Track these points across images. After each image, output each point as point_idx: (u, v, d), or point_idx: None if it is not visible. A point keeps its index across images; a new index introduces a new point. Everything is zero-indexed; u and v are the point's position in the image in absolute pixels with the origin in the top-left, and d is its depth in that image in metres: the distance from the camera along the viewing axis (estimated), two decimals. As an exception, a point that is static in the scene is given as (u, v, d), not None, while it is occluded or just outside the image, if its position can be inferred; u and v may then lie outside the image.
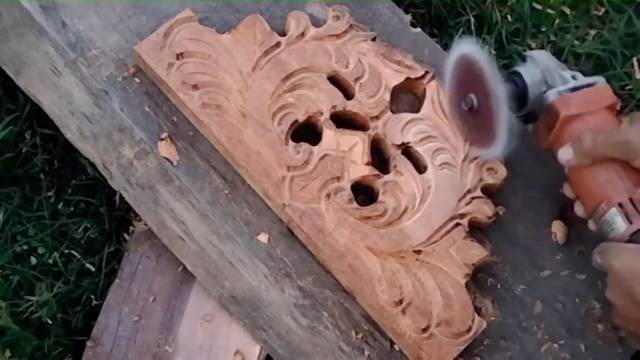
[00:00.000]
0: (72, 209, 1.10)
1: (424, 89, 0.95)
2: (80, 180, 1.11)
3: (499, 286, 0.91)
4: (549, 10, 1.19)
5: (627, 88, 1.17)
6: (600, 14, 1.20)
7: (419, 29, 1.03)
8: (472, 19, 1.17)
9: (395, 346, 0.87)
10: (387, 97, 0.93)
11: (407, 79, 0.95)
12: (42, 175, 1.10)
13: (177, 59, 0.90)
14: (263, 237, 0.89)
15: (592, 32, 1.20)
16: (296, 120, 0.91)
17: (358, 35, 0.96)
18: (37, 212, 1.08)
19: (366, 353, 0.86)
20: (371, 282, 0.85)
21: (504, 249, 0.93)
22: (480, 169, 0.91)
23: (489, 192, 0.92)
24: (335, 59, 0.94)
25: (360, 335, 0.87)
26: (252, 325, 0.90)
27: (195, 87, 0.90)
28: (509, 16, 1.18)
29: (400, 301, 0.84)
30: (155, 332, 0.94)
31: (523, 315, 0.90)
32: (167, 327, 0.94)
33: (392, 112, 0.93)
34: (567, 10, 1.20)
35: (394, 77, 0.94)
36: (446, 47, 1.13)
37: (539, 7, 1.19)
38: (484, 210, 0.89)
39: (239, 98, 0.90)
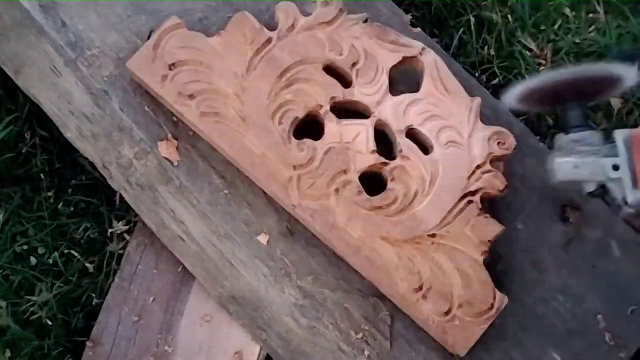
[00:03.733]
0: (72, 209, 1.10)
1: (422, 66, 0.93)
2: (80, 180, 1.11)
3: (498, 287, 0.91)
4: (549, 10, 1.19)
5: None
6: (600, 13, 1.20)
7: (419, 29, 1.03)
8: (472, 19, 1.17)
9: (395, 346, 0.86)
10: (386, 80, 0.91)
11: (404, 57, 0.93)
12: (42, 175, 1.09)
13: (170, 69, 0.89)
14: (263, 238, 0.89)
15: (592, 31, 1.20)
16: (296, 117, 0.90)
17: (349, 19, 0.93)
18: (37, 212, 1.08)
19: (366, 353, 0.86)
20: (389, 272, 0.85)
21: (503, 250, 0.93)
22: (487, 142, 0.89)
23: (499, 163, 0.91)
24: (328, 47, 0.92)
25: (360, 335, 0.87)
26: (252, 325, 0.90)
27: (191, 96, 0.89)
28: (509, 16, 1.18)
29: (420, 287, 0.84)
30: (154, 332, 0.94)
31: (523, 316, 0.90)
32: (167, 327, 0.94)
33: (392, 94, 0.92)
34: (567, 11, 1.20)
35: (390, 57, 0.92)
36: (446, 47, 1.13)
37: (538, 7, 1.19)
38: (495, 184, 0.88)
39: (236, 102, 0.89)
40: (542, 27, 1.19)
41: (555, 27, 1.20)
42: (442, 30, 1.20)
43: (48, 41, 0.93)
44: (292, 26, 0.92)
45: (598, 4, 1.21)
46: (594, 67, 0.81)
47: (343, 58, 0.91)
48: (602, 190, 0.75)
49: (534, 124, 1.13)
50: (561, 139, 0.78)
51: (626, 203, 0.72)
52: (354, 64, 0.91)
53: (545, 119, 1.14)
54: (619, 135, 0.74)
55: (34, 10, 0.93)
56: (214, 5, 0.98)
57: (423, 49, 0.93)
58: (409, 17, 1.04)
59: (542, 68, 1.16)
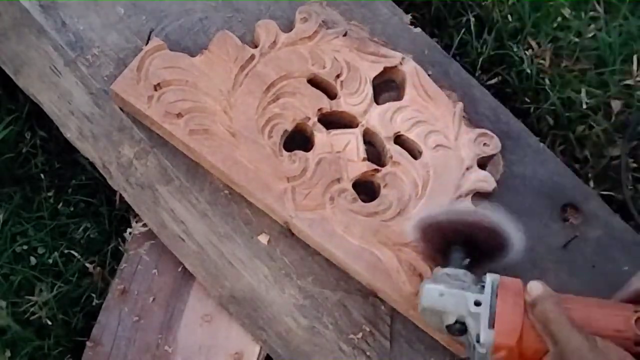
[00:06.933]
0: (72, 209, 1.10)
1: (403, 75, 0.95)
2: (80, 180, 1.11)
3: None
4: (549, 10, 1.19)
5: (623, 83, 1.17)
6: (600, 13, 1.20)
7: (419, 29, 1.03)
8: (472, 19, 1.17)
9: (395, 346, 0.87)
10: (370, 89, 0.94)
11: (385, 68, 0.95)
12: (42, 176, 1.09)
13: (155, 90, 0.89)
14: (263, 238, 0.89)
15: (592, 30, 1.20)
16: (286, 130, 0.91)
17: (329, 34, 0.96)
18: (37, 212, 1.08)
19: (366, 353, 0.86)
20: (390, 276, 0.85)
21: (504, 249, 0.93)
22: (474, 144, 0.92)
23: (485, 164, 0.93)
24: (311, 61, 0.94)
25: (360, 335, 0.87)
26: (252, 325, 0.90)
27: (179, 115, 0.89)
28: (509, 16, 1.18)
29: None
30: (154, 332, 0.94)
31: (523, 315, 0.90)
32: (167, 327, 0.94)
33: (377, 103, 0.94)
34: (567, 11, 1.20)
35: (371, 68, 0.95)
36: (446, 47, 1.13)
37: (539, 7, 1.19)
38: (484, 186, 0.90)
39: (225, 118, 0.89)
40: (543, 27, 1.19)
41: (555, 26, 1.20)
42: (442, 30, 1.20)
43: (48, 41, 0.93)
44: (274, 42, 0.94)
45: (598, 4, 1.21)
46: (488, 216, 0.81)
47: (326, 71, 0.93)
48: (461, 326, 0.76)
49: (534, 124, 1.14)
50: (437, 271, 0.81)
51: (478, 341, 0.73)
52: (337, 76, 0.94)
53: (546, 119, 1.14)
54: (490, 277, 0.77)
55: (34, 10, 0.93)
56: (214, 5, 0.98)
57: (403, 58, 0.96)
58: (409, 17, 1.04)
59: (542, 68, 1.16)
